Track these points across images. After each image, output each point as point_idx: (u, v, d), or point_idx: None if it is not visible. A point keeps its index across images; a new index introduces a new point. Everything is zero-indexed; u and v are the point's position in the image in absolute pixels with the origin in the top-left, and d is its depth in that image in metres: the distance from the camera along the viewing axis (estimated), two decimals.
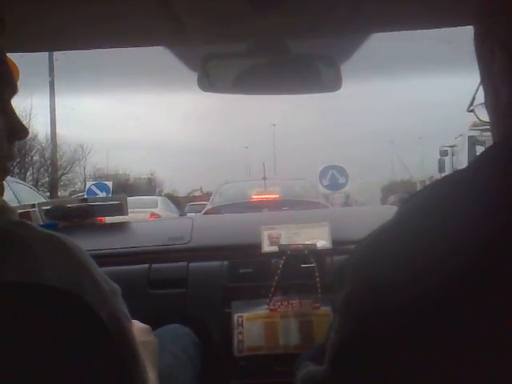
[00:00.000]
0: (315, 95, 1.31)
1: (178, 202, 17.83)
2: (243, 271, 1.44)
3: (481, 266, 0.46)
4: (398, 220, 0.54)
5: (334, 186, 10.26)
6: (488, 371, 0.45)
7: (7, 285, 0.45)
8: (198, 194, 23.75)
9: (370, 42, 1.20)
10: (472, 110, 0.64)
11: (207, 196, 17.47)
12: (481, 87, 0.61)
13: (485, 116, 0.61)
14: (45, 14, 0.96)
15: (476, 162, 0.54)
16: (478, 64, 0.60)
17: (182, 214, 11.85)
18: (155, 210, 9.67)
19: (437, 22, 1.10)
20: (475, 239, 0.46)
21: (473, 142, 9.96)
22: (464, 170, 0.54)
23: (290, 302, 1.36)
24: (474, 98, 0.63)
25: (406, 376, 0.47)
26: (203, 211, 5.70)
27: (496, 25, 0.54)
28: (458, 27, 1.09)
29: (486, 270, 0.45)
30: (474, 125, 9.38)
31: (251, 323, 1.34)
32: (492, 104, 0.58)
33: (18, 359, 0.44)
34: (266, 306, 1.35)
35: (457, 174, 0.54)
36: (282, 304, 1.36)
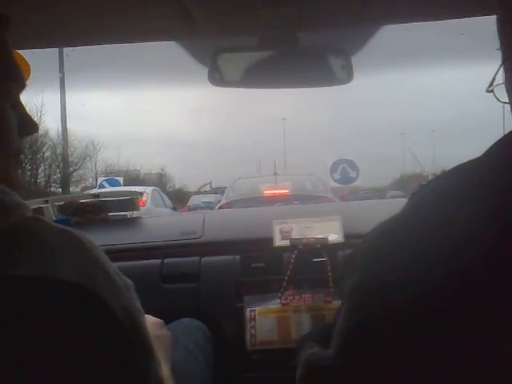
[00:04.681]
0: (325, 88, 1.30)
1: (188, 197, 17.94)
2: (255, 265, 1.44)
3: (492, 260, 0.45)
4: (407, 212, 0.53)
5: (345, 179, 10.24)
6: (492, 368, 0.44)
7: (21, 279, 0.46)
8: (206, 188, 23.74)
9: (382, 33, 1.19)
10: (491, 91, 0.63)
11: (216, 190, 17.49)
12: (501, 69, 0.59)
13: (504, 97, 0.59)
14: (54, 11, 0.96)
15: (490, 152, 0.52)
16: (501, 46, 0.58)
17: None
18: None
19: (453, 13, 1.08)
20: (487, 233, 0.45)
21: None
22: (476, 160, 0.52)
23: (302, 296, 1.36)
24: (493, 79, 0.62)
25: (414, 367, 0.47)
26: (218, 206, 5.93)
27: None
28: (470, 18, 1.07)
29: (498, 264, 0.45)
30: None
31: (264, 317, 1.34)
32: None
33: (30, 353, 0.44)
34: (279, 301, 1.36)
35: (468, 165, 0.53)
36: (294, 298, 1.36)
